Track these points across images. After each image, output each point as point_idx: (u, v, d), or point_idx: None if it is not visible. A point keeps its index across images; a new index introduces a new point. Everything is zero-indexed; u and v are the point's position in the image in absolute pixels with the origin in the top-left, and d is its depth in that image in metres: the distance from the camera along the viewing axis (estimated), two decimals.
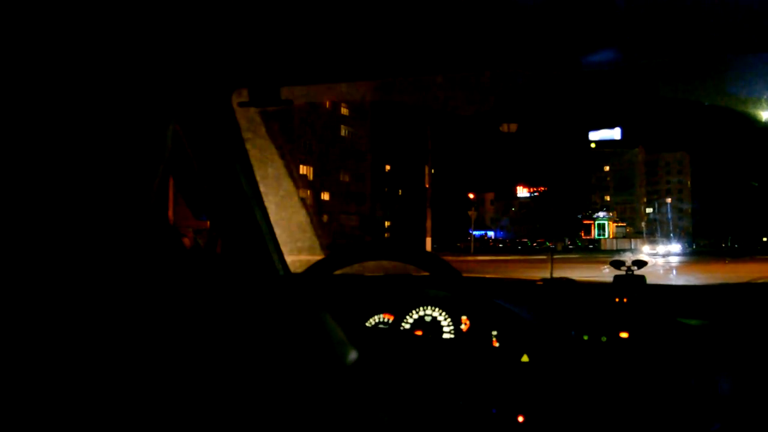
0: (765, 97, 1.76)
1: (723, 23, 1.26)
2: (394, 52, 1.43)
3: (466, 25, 1.28)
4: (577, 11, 1.20)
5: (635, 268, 1.90)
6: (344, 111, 51.61)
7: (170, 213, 1.75)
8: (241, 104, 1.69)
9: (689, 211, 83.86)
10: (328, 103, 49.35)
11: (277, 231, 1.98)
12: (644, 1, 1.17)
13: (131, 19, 0.60)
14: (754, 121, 1.88)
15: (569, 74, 1.45)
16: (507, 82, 1.68)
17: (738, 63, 1.66)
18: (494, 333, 1.74)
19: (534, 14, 1.22)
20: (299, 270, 1.98)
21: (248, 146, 1.86)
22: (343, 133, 51.90)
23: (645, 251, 40.09)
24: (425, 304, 1.86)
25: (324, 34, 1.30)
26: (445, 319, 1.83)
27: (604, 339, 1.67)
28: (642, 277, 1.89)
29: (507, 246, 54.21)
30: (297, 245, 2.11)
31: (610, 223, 76.85)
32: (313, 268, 1.73)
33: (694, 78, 1.71)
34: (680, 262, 28.00)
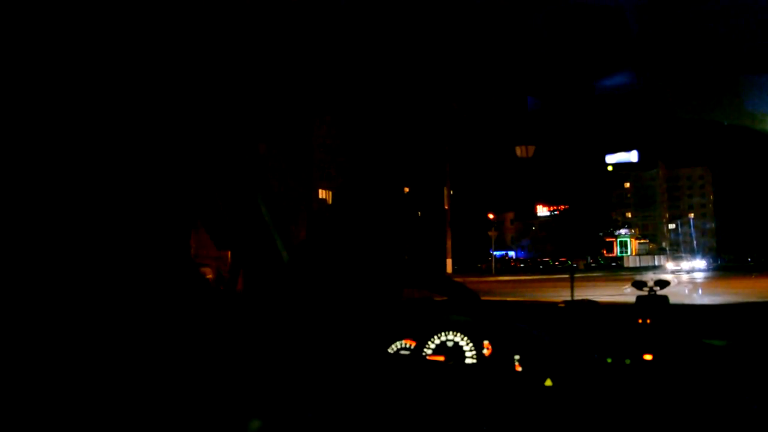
0: None
1: (736, 45, 1.26)
2: (410, 79, 1.46)
3: (481, 53, 1.30)
4: (590, 37, 1.22)
5: (657, 288, 1.88)
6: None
7: (192, 243, 1.78)
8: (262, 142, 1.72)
9: (713, 226, 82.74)
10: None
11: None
12: (658, 25, 1.18)
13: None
14: None
15: (584, 98, 1.46)
16: (523, 105, 1.70)
17: (754, 81, 1.65)
18: (517, 357, 1.74)
19: (548, 40, 1.24)
20: None
21: (267, 171, 1.89)
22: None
23: (669, 267, 39.60)
24: (447, 329, 1.86)
25: (346, 66, 1.33)
26: (468, 344, 1.83)
27: (627, 361, 1.66)
28: (665, 298, 1.87)
29: (528, 265, 53.83)
30: None
31: (633, 240, 75.99)
32: None
33: (710, 97, 1.71)
34: (705, 278, 27.60)
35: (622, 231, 76.72)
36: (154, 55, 0.61)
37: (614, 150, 1.53)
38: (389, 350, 1.88)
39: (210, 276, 1.88)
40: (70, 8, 0.55)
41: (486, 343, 1.81)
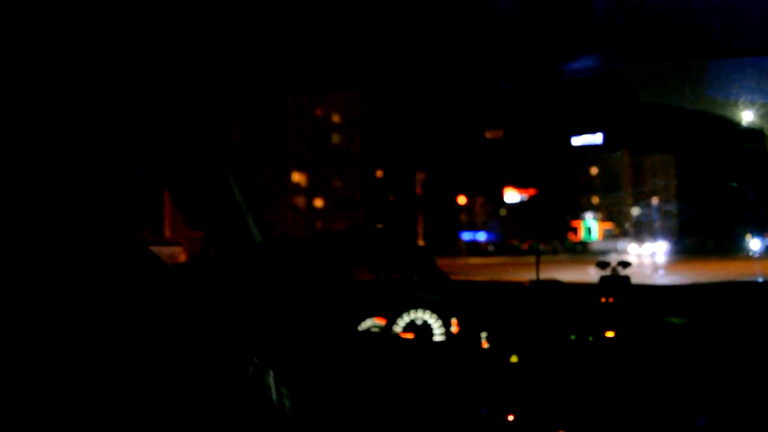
0: (741, 99, 1.81)
1: (701, 29, 1.30)
2: (380, 64, 1.47)
3: (446, 36, 1.32)
4: (555, 19, 1.24)
5: (620, 268, 1.94)
6: (336, 119, 51.50)
7: (167, 224, 1.78)
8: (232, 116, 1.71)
9: (675, 211, 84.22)
10: (319, 111, 49.25)
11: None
12: (623, 8, 1.21)
13: (129, 24, 0.62)
14: (733, 124, 1.93)
15: (549, 82, 1.49)
16: (491, 89, 1.72)
17: (716, 67, 1.70)
18: (483, 335, 1.78)
19: (512, 23, 1.26)
20: None
21: (242, 156, 1.88)
22: (335, 140, 51.77)
23: (632, 251, 40.24)
24: (416, 308, 1.90)
25: (317, 49, 1.33)
26: (436, 322, 1.87)
27: (590, 339, 1.71)
28: (627, 278, 1.93)
29: (498, 248, 54.35)
30: None
31: (598, 224, 76.94)
32: None
33: (672, 82, 1.75)
34: (667, 261, 28.14)
35: (589, 215, 77.61)
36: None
37: (580, 133, 1.56)
38: (359, 328, 1.92)
39: (182, 256, 1.88)
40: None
41: (454, 321, 1.85)
